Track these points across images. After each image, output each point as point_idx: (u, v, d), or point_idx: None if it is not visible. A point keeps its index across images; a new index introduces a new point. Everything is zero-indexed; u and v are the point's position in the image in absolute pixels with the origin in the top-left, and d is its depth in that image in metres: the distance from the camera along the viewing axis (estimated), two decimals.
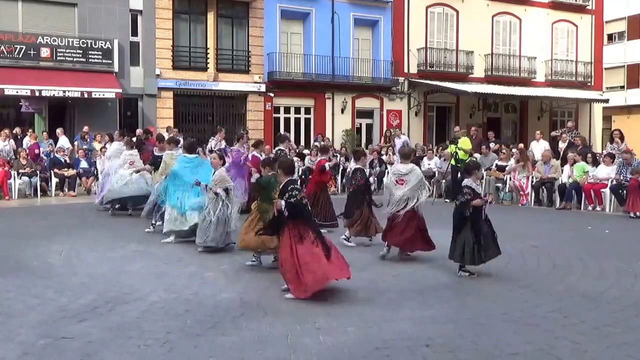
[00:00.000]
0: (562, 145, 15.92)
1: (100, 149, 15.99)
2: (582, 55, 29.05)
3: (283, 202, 5.60)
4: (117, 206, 11.32)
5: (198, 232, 7.78)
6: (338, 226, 8.96)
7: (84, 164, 15.43)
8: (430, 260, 7.18)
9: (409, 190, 7.16)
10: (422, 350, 4.20)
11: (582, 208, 13.17)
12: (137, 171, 10.75)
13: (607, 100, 28.37)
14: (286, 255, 5.57)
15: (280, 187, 5.83)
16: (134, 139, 13.53)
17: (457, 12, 26.09)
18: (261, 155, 10.72)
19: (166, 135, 12.36)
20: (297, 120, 23.97)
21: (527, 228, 10.31)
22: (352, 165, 8.82)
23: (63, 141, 16.48)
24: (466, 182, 6.59)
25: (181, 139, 11.07)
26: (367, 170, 11.05)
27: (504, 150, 16.02)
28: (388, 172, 16.26)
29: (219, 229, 7.60)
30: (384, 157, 17.99)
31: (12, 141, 16.02)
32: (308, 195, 8.31)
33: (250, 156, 11.23)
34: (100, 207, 11.79)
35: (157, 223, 9.10)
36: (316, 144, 18.89)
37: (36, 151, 15.67)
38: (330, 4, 23.48)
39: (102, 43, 19.61)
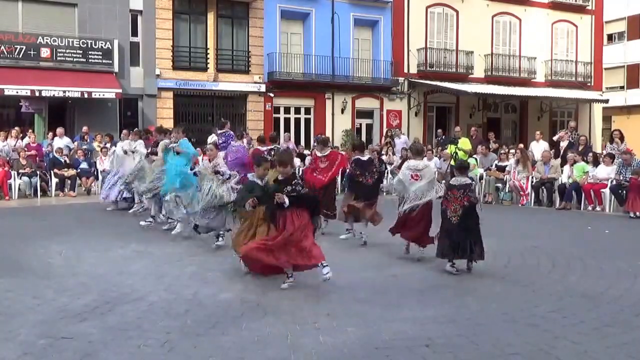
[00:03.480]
0: (562, 145, 15.91)
1: (101, 149, 15.99)
2: (582, 55, 29.06)
3: (285, 197, 5.67)
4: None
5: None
6: (335, 217, 9.00)
7: (84, 164, 15.43)
8: (430, 261, 7.17)
9: (425, 184, 7.21)
10: (422, 350, 4.20)
11: (582, 208, 13.17)
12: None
13: (607, 101, 28.38)
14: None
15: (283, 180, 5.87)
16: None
17: (457, 12, 26.10)
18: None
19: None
20: (297, 121, 23.97)
21: (527, 228, 10.32)
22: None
23: (58, 142, 16.30)
24: (467, 179, 6.74)
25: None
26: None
27: (503, 151, 16.02)
28: (390, 170, 16.33)
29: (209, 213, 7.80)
30: (384, 157, 17.99)
31: (17, 140, 15.97)
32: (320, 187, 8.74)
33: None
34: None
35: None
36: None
37: (43, 150, 15.74)
38: (330, 4, 23.49)
39: (102, 43, 19.62)
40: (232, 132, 12.30)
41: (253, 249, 5.81)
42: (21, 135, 16.52)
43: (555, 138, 17.05)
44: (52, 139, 16.78)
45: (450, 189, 6.65)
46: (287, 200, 5.63)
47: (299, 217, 5.73)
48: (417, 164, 7.43)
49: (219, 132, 12.72)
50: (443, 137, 20.05)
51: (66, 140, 16.53)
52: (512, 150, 16.11)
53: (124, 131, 12.93)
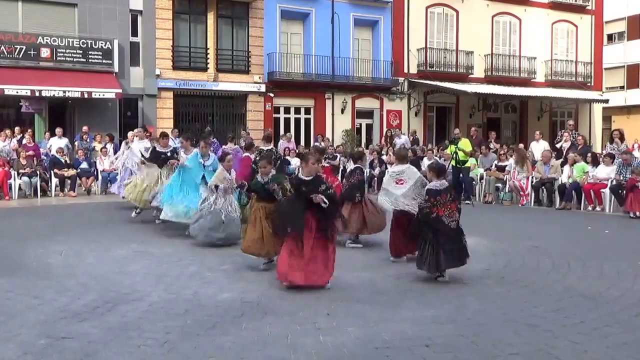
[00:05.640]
0: (565, 145, 15.88)
1: (101, 149, 15.99)
2: (582, 55, 29.06)
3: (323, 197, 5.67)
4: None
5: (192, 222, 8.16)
6: None
7: (84, 164, 15.42)
8: None
9: (411, 186, 7.09)
10: (422, 350, 4.20)
11: (582, 208, 13.17)
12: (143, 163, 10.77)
13: (606, 101, 28.39)
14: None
15: (310, 180, 5.85)
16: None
17: (457, 12, 26.10)
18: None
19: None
20: (297, 121, 23.98)
21: (527, 228, 10.31)
22: (350, 165, 8.89)
23: (56, 142, 16.22)
24: (445, 182, 6.38)
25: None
26: (367, 171, 10.99)
27: (503, 151, 16.02)
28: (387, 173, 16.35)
29: (211, 223, 7.88)
30: (384, 157, 17.99)
31: (14, 140, 15.96)
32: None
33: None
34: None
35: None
36: (316, 143, 18.93)
37: (40, 150, 15.73)
38: (330, 4, 23.49)
39: (102, 43, 19.62)
40: (216, 141, 12.53)
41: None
42: (20, 135, 16.50)
43: (558, 145, 16.66)
44: (49, 139, 16.72)
45: (439, 194, 6.19)
46: (324, 200, 5.65)
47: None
48: (398, 168, 7.34)
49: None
50: (414, 136, 20.26)
51: (65, 140, 16.50)
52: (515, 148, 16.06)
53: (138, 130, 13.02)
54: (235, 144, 12.59)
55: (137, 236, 8.88)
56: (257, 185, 6.72)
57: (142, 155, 10.52)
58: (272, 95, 22.88)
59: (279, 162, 9.92)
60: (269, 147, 10.26)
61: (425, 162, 16.53)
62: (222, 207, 7.86)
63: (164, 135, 10.72)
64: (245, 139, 12.87)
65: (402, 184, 7.18)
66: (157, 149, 10.29)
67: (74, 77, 18.90)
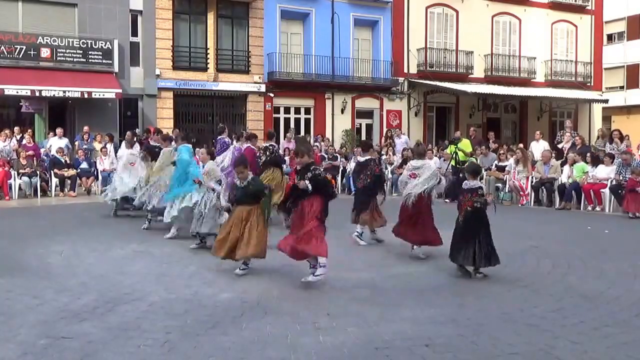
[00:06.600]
0: (566, 146, 15.87)
1: (101, 149, 16.00)
2: (581, 55, 29.06)
3: (307, 182, 5.88)
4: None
5: (193, 222, 8.10)
6: None
7: (84, 164, 15.42)
8: (430, 260, 7.18)
9: (422, 180, 7.40)
10: (422, 350, 4.20)
11: (581, 208, 13.18)
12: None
13: (606, 101, 28.38)
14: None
15: (301, 168, 6.10)
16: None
17: (457, 12, 26.10)
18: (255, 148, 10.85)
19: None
20: (297, 121, 23.97)
21: (527, 228, 10.31)
22: (360, 158, 8.99)
23: (56, 142, 16.24)
24: (477, 183, 6.68)
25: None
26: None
27: (503, 150, 16.02)
28: (390, 170, 16.36)
29: (212, 215, 7.89)
30: (384, 157, 17.99)
31: (14, 140, 15.96)
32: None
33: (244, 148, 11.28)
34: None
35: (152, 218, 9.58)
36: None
37: (40, 151, 15.73)
38: (330, 4, 23.49)
39: (102, 43, 19.62)
40: (227, 139, 12.51)
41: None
42: (19, 135, 16.50)
43: (560, 145, 16.64)
44: (49, 139, 16.72)
45: (461, 193, 6.64)
46: (309, 186, 5.85)
47: (312, 204, 5.90)
48: (416, 163, 7.66)
49: (218, 137, 12.77)
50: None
51: (65, 140, 16.51)
52: (514, 148, 16.02)
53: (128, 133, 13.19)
54: (240, 142, 12.62)
55: (137, 236, 8.88)
56: (237, 191, 6.72)
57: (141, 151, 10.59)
58: (272, 95, 22.88)
59: (275, 155, 9.97)
60: (270, 144, 10.31)
61: (425, 161, 16.51)
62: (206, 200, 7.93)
63: (158, 131, 11.07)
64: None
65: (414, 177, 7.52)
66: (152, 143, 10.48)
67: (74, 77, 18.90)
